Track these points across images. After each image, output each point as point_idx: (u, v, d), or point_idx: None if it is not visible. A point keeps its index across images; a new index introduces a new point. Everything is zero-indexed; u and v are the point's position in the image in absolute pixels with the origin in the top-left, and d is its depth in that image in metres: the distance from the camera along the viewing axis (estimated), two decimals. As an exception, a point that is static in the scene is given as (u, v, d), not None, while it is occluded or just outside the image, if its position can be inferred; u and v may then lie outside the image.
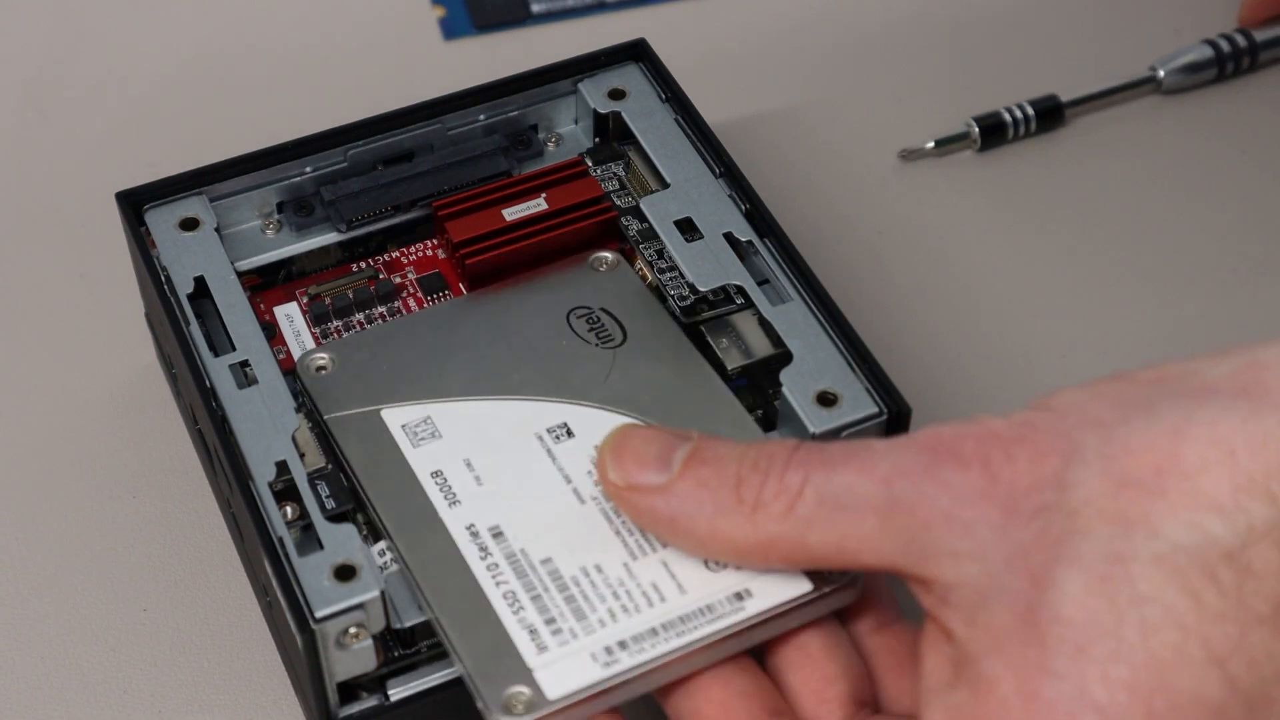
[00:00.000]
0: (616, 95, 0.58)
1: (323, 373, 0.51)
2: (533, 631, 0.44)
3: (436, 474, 0.48)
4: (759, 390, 0.52)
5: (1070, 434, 0.40)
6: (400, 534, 0.47)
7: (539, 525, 0.46)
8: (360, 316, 0.55)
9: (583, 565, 0.45)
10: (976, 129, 0.65)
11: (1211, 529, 0.38)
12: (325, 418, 0.49)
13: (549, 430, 0.48)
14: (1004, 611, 0.39)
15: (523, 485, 0.47)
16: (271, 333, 0.54)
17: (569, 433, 0.48)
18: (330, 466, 0.50)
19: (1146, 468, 0.39)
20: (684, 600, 0.45)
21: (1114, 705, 0.37)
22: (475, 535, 0.46)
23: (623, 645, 0.44)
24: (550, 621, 0.44)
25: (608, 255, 0.54)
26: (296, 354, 0.54)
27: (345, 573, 0.46)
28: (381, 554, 0.48)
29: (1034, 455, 0.40)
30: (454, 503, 0.47)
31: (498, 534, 0.46)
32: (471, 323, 0.52)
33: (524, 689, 0.43)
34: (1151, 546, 0.38)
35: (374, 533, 0.48)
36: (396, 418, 0.49)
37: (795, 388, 0.50)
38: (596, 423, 0.49)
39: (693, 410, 0.49)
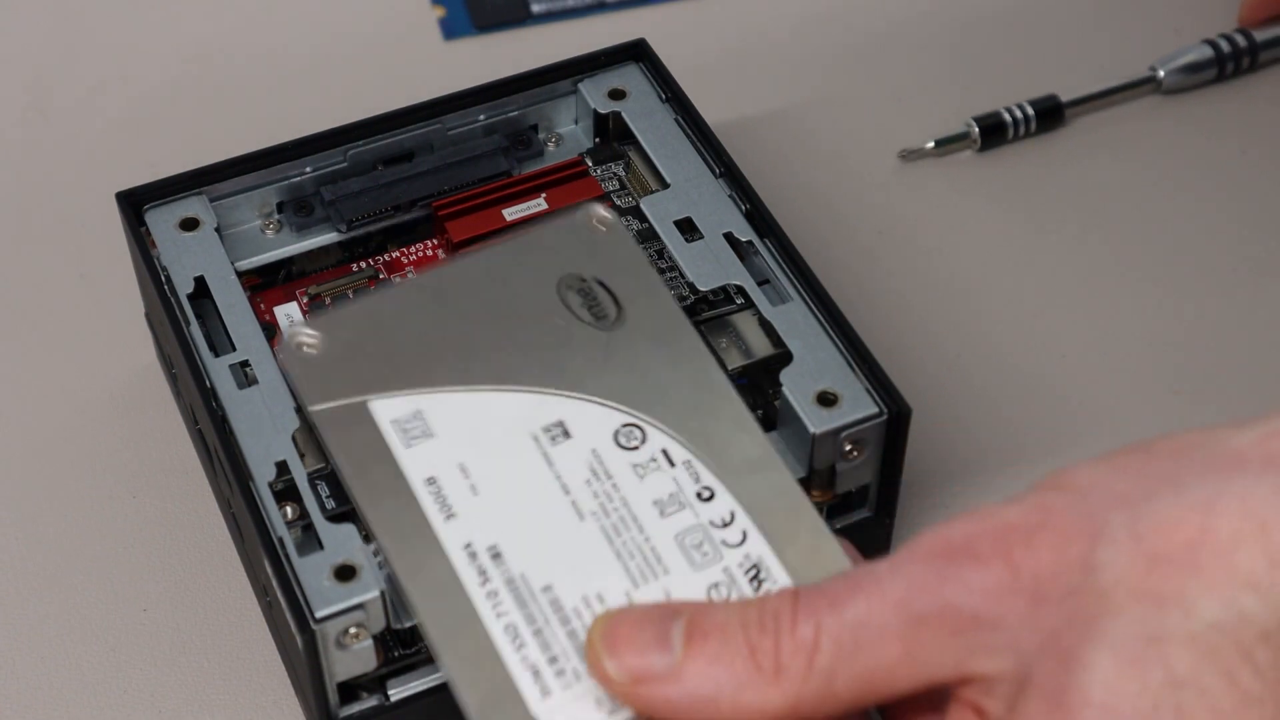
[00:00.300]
0: (616, 95, 0.58)
1: (309, 353, 0.47)
2: (536, 672, 0.42)
3: (431, 481, 0.45)
4: (759, 390, 0.52)
5: (1094, 514, 0.39)
6: (397, 553, 0.44)
7: (538, 545, 0.44)
8: (360, 316, 0.55)
9: (584, 594, 0.43)
10: (976, 129, 0.65)
11: (1247, 606, 0.37)
12: (312, 410, 0.46)
13: (545, 430, 0.46)
14: (1038, 697, 0.38)
15: (520, 496, 0.45)
16: (271, 333, 0.54)
17: (566, 433, 0.46)
18: (330, 467, 0.50)
19: (1178, 544, 0.37)
20: None
21: None
22: (474, 556, 0.44)
23: None
24: (553, 660, 0.42)
25: (603, 213, 0.50)
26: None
27: (345, 573, 0.46)
28: (377, 553, 0.48)
29: (1057, 541, 0.39)
30: (450, 516, 0.45)
31: (496, 555, 0.44)
32: (461, 294, 0.49)
33: None
34: (1186, 625, 0.37)
35: (368, 535, 0.48)
36: (386, 411, 0.46)
37: (795, 388, 0.50)
38: (594, 421, 0.46)
39: (691, 407, 0.47)
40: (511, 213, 0.56)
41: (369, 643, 0.46)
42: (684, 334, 0.48)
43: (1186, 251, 0.62)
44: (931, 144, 0.65)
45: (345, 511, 0.48)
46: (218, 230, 0.54)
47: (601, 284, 0.49)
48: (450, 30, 0.70)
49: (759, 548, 0.44)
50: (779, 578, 0.43)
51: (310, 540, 0.47)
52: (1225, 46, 0.67)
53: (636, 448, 0.46)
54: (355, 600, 0.45)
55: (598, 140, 0.59)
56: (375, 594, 0.46)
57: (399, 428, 0.46)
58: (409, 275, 0.52)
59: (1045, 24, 0.70)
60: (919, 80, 0.68)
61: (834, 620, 0.39)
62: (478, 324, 0.48)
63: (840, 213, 0.64)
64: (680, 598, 0.43)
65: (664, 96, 0.58)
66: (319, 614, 0.45)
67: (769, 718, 0.40)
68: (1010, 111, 0.65)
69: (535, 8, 0.71)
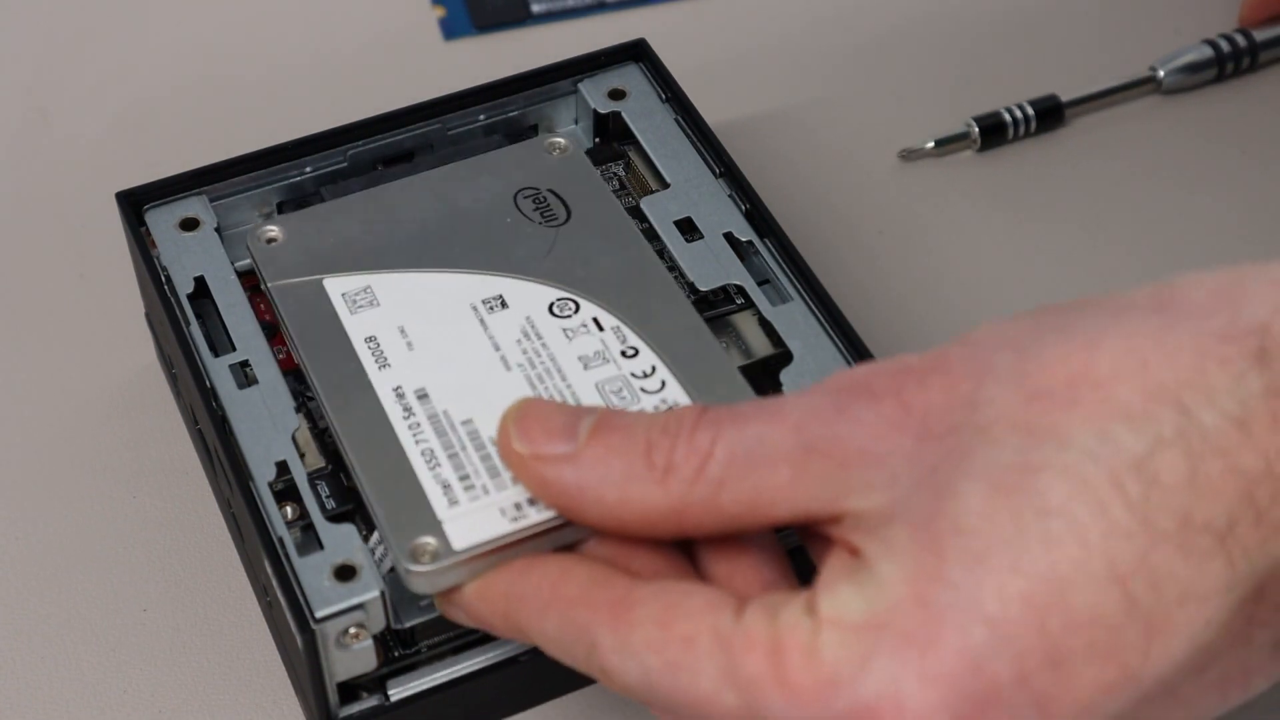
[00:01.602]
0: (616, 95, 0.58)
1: (273, 244, 0.52)
2: (446, 487, 0.45)
3: (370, 339, 0.49)
4: (759, 390, 0.52)
5: (985, 357, 0.39)
6: (329, 396, 0.48)
7: (464, 389, 0.48)
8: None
9: None
10: (976, 129, 0.65)
11: (1121, 437, 0.37)
12: (269, 285, 0.51)
13: (484, 301, 0.50)
14: (905, 526, 0.38)
15: (453, 352, 0.49)
16: (271, 333, 0.54)
17: (503, 304, 0.50)
18: (330, 466, 0.50)
19: (1058, 379, 0.38)
20: None
21: (1006, 618, 0.36)
22: (401, 397, 0.48)
23: (532, 502, 0.45)
24: (464, 478, 0.46)
25: (561, 140, 0.55)
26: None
27: (345, 573, 0.46)
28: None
29: (948, 381, 0.39)
30: (384, 366, 0.49)
31: (423, 396, 0.48)
32: (419, 198, 0.53)
33: (431, 539, 0.44)
34: (1060, 457, 0.37)
35: (309, 407, 0.51)
36: (337, 287, 0.51)
37: (795, 387, 0.50)
38: (531, 296, 0.50)
39: (633, 290, 0.50)
40: (511, 213, 0.56)
41: (369, 643, 0.46)
42: (626, 229, 0.52)
43: (1187, 252, 0.62)
44: (931, 144, 0.65)
45: (345, 511, 0.49)
46: (218, 230, 0.54)
47: (554, 193, 0.53)
48: (450, 30, 0.70)
49: (675, 394, 0.48)
50: None
51: (310, 540, 0.47)
52: (1225, 46, 0.67)
53: (569, 316, 0.50)
54: (355, 600, 0.45)
55: (598, 140, 0.59)
56: (375, 594, 0.46)
57: (348, 300, 0.51)
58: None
59: (1045, 24, 0.70)
60: (919, 80, 0.68)
61: (732, 433, 0.40)
62: (433, 222, 0.53)
63: (840, 213, 0.64)
64: (571, 391, 0.47)
65: (664, 96, 0.58)
66: (319, 614, 0.45)
67: (652, 514, 0.41)
68: (1010, 111, 0.65)
69: (535, 8, 0.71)
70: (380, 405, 0.48)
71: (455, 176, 0.54)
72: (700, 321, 0.49)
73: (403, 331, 0.49)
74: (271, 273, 0.51)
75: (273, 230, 0.52)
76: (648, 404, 0.47)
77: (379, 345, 0.49)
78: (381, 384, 0.48)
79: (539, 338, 0.49)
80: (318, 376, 0.49)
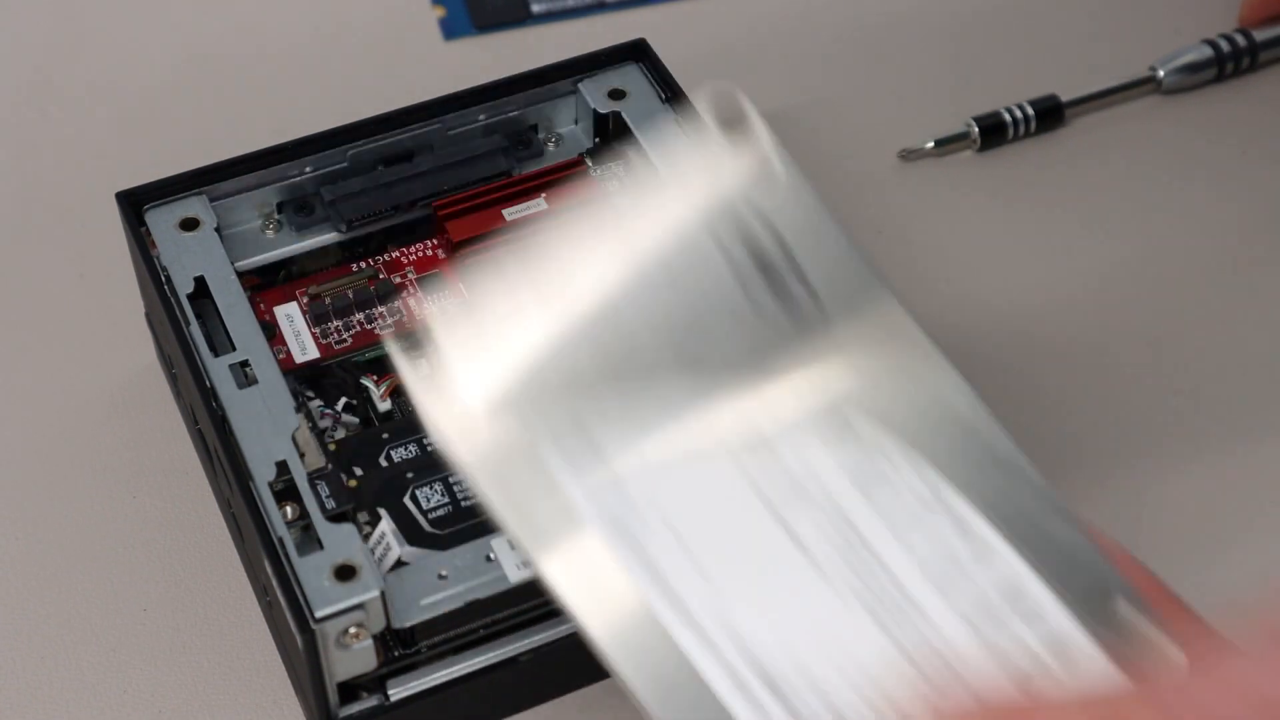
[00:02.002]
0: (616, 95, 0.58)
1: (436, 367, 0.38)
2: None
3: (650, 563, 0.35)
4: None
5: None
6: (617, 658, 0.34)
7: (781, 623, 0.34)
8: (360, 316, 0.55)
9: (838, 664, 0.34)
10: (976, 129, 0.65)
11: None
12: (469, 473, 0.37)
13: (744, 445, 0.36)
14: None
15: (746, 558, 0.35)
16: (271, 333, 0.54)
17: (768, 446, 0.36)
18: (330, 467, 0.50)
19: None
20: None
21: None
22: (734, 673, 0.34)
23: None
24: None
25: (735, 97, 0.39)
26: (296, 354, 0.54)
27: (345, 573, 0.46)
28: (379, 544, 0.48)
29: None
30: (677, 606, 0.34)
31: (758, 667, 0.34)
32: (603, 260, 0.37)
33: None
34: None
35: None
36: (555, 455, 0.37)
37: (795, 388, 0.50)
38: (797, 425, 0.36)
39: (901, 389, 0.37)
40: (511, 213, 0.56)
41: (369, 643, 0.46)
42: (871, 289, 0.38)
43: (1186, 251, 0.62)
44: (931, 144, 0.65)
45: (345, 511, 0.48)
46: (218, 230, 0.54)
47: (776, 234, 0.39)
48: (450, 30, 0.70)
49: (1058, 620, 0.36)
50: (1053, 617, 0.35)
51: (310, 540, 0.47)
52: (1225, 46, 0.67)
53: (852, 452, 0.37)
54: (355, 600, 0.45)
55: (598, 140, 0.59)
56: (375, 594, 0.46)
57: (563, 451, 0.37)
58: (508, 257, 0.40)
59: (1045, 24, 0.70)
60: (919, 80, 0.68)
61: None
62: (631, 296, 0.37)
63: (840, 213, 0.63)
64: (946, 645, 0.35)
65: (664, 96, 0.58)
66: (319, 614, 0.45)
67: None
68: (1010, 111, 0.65)
69: (535, 8, 0.71)
70: (707, 688, 0.33)
71: (635, 202, 0.39)
72: (1004, 438, 0.37)
73: (676, 533, 0.34)
74: (463, 452, 0.36)
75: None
76: (1025, 635, 0.35)
77: (658, 567, 0.34)
78: (699, 657, 0.33)
79: (829, 499, 0.36)
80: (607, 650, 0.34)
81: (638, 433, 0.35)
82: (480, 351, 0.37)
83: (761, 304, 0.37)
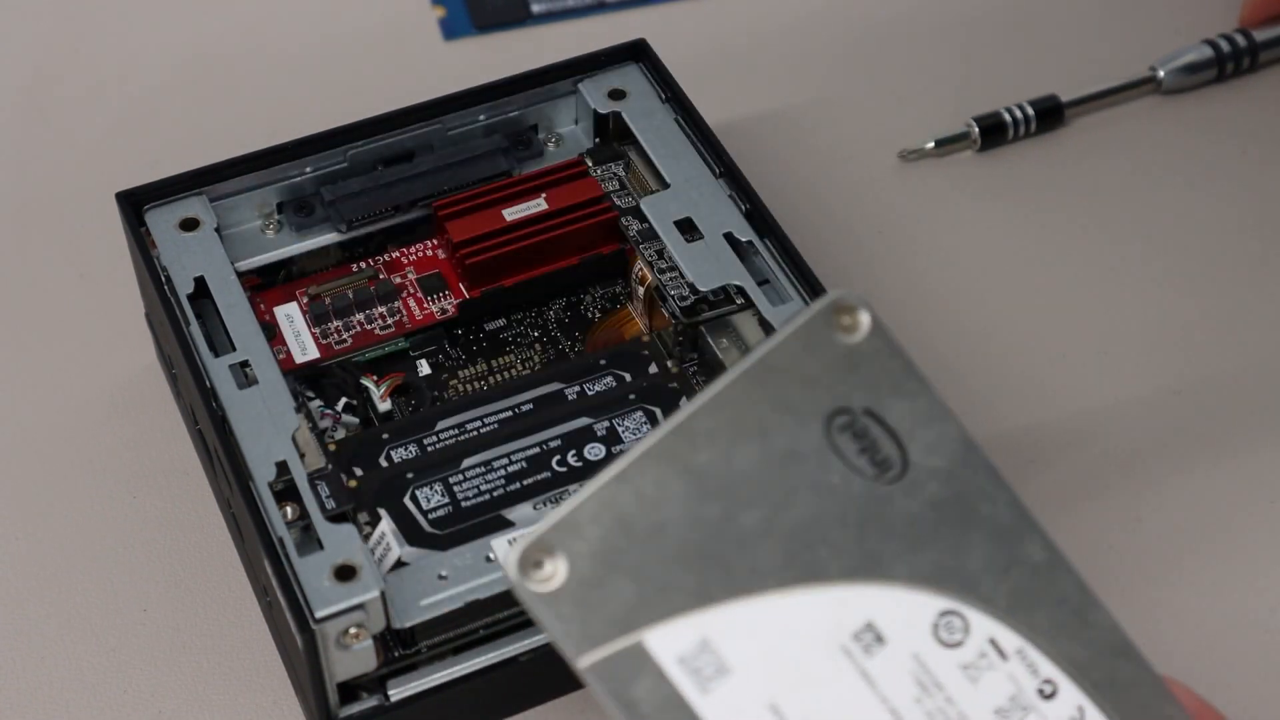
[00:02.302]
0: (616, 95, 0.58)
1: (552, 585, 0.37)
2: None
3: None
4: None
5: None
6: None
7: None
8: (360, 316, 0.55)
9: None
10: (976, 129, 0.65)
11: None
12: (581, 667, 0.37)
13: (855, 637, 0.37)
14: None
15: None
16: (271, 333, 0.54)
17: (879, 638, 0.37)
18: (330, 467, 0.50)
19: None
20: None
21: None
22: None
23: None
24: None
25: (858, 309, 0.40)
26: (296, 354, 0.54)
27: (345, 573, 0.46)
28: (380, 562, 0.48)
29: None
30: None
31: None
32: (709, 461, 0.38)
33: None
34: None
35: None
36: (668, 647, 0.37)
37: (795, 388, 0.50)
38: (906, 615, 0.38)
39: (1005, 574, 0.38)
40: (511, 213, 0.56)
41: (369, 643, 0.46)
42: (978, 473, 0.39)
43: (1186, 251, 0.62)
44: (931, 144, 0.65)
45: (345, 511, 0.48)
46: (218, 230, 0.54)
47: (874, 415, 0.39)
48: (450, 30, 0.70)
49: None
50: None
51: (310, 540, 0.47)
52: (1225, 46, 0.67)
53: (961, 642, 0.38)
54: (355, 600, 0.45)
55: (598, 140, 0.59)
56: (375, 594, 0.46)
57: (688, 668, 0.37)
58: (629, 449, 0.39)
59: (1045, 24, 0.70)
60: (919, 80, 0.68)
61: None
62: (739, 500, 0.38)
63: (840, 213, 0.64)
64: None
65: (664, 96, 0.58)
66: (319, 614, 0.45)
67: None
68: (1010, 111, 0.65)
69: (535, 8, 0.71)
70: None
71: (738, 406, 0.38)
72: (1104, 611, 0.38)
73: (778, 713, 0.36)
74: (574, 643, 0.36)
75: (544, 556, 0.37)
76: None
77: None
78: None
79: (939, 689, 0.37)
80: None
81: (757, 635, 0.37)
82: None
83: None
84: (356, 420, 0.53)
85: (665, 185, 0.56)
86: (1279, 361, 0.59)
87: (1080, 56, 0.69)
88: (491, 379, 0.55)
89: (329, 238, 0.56)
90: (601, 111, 0.58)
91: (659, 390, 0.53)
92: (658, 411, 0.52)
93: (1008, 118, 0.65)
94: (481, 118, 0.58)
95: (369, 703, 0.48)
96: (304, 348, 0.54)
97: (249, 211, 0.56)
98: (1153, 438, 0.57)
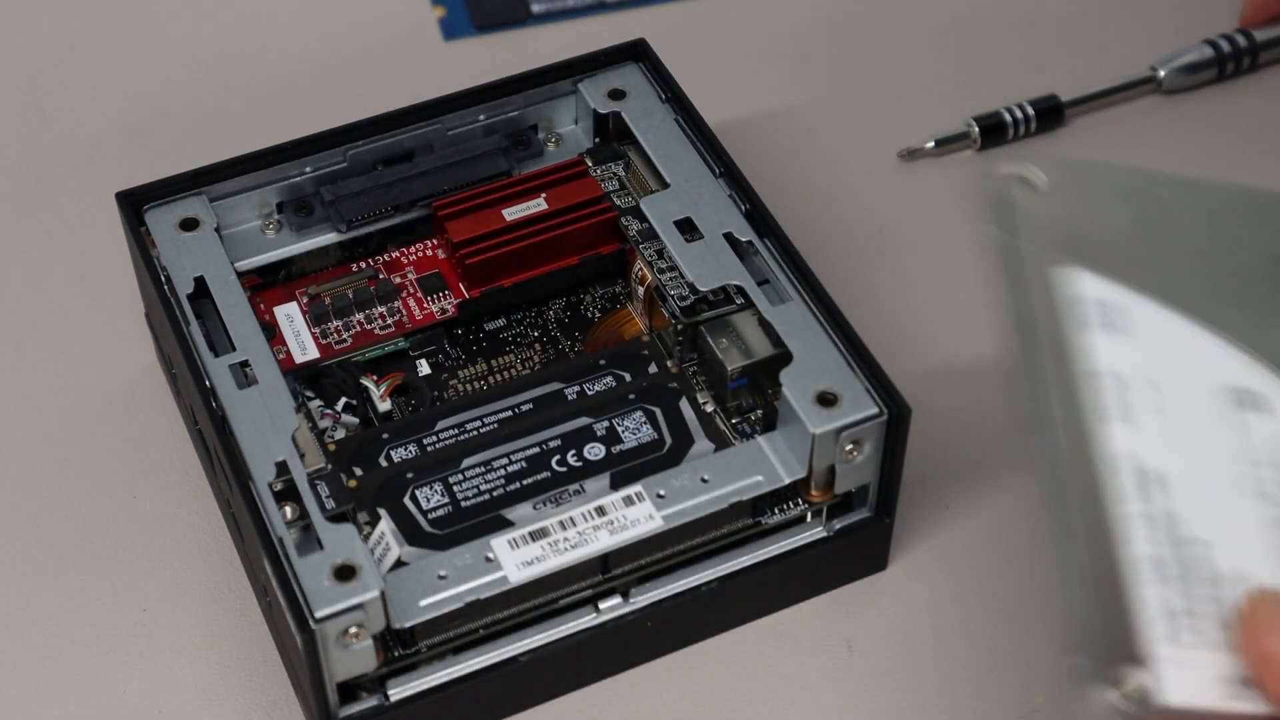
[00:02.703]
0: (616, 95, 0.58)
1: (1029, 191, 0.42)
2: (1171, 615, 0.37)
3: (1119, 378, 0.40)
4: (759, 390, 0.52)
5: None
6: (1058, 419, 0.39)
7: (1210, 500, 0.39)
8: (360, 316, 0.55)
9: (1240, 570, 0.38)
10: (976, 129, 0.65)
11: None
12: (1023, 246, 0.41)
13: (1240, 391, 0.41)
14: None
15: (1203, 444, 0.40)
16: (271, 333, 0.54)
17: (1259, 405, 0.41)
18: (330, 467, 0.50)
19: None
20: None
21: None
22: (1141, 473, 0.38)
23: (1248, 684, 0.37)
24: (1192, 614, 0.37)
25: None
26: (296, 354, 0.54)
27: (345, 573, 0.46)
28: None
29: None
30: (1129, 421, 0.39)
31: (1164, 483, 0.38)
32: (1183, 211, 0.43)
33: (1140, 673, 0.36)
34: None
35: (1037, 407, 0.41)
36: (1094, 286, 0.41)
37: (795, 388, 0.50)
38: None
39: None
40: (511, 213, 0.56)
41: (369, 643, 0.46)
42: None
43: (1186, 251, 0.62)
44: (931, 144, 0.65)
45: (345, 511, 0.48)
46: (218, 230, 0.54)
47: None
48: (450, 30, 0.70)
49: None
50: None
51: (310, 540, 0.47)
52: (1225, 46, 0.67)
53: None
54: (355, 600, 0.45)
55: (598, 140, 0.59)
56: (375, 594, 0.46)
57: (1102, 308, 0.41)
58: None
59: (1045, 24, 0.70)
60: (919, 80, 0.68)
61: None
62: (1197, 253, 0.43)
63: (840, 213, 0.64)
64: None
65: (664, 96, 0.58)
66: (319, 614, 0.45)
67: None
68: (1010, 111, 0.65)
69: (535, 8, 0.71)
70: (1114, 467, 0.38)
71: (1226, 202, 0.44)
72: None
73: (1156, 388, 0.40)
74: (1027, 230, 0.42)
75: (1035, 174, 0.42)
76: None
77: (1127, 391, 0.39)
78: (1121, 441, 0.39)
79: None
80: (1049, 390, 0.39)
81: (1170, 340, 0.41)
82: None
83: None
84: (356, 420, 0.53)
85: (665, 185, 0.56)
86: (1279, 361, 0.59)
87: (1080, 56, 0.69)
88: (491, 379, 0.55)
89: (329, 238, 0.56)
90: (601, 111, 0.58)
91: (659, 390, 0.53)
92: (657, 411, 0.52)
93: (1008, 117, 0.65)
94: (481, 118, 0.58)
95: (369, 703, 0.48)
96: (304, 348, 0.54)
97: (249, 211, 0.56)
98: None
